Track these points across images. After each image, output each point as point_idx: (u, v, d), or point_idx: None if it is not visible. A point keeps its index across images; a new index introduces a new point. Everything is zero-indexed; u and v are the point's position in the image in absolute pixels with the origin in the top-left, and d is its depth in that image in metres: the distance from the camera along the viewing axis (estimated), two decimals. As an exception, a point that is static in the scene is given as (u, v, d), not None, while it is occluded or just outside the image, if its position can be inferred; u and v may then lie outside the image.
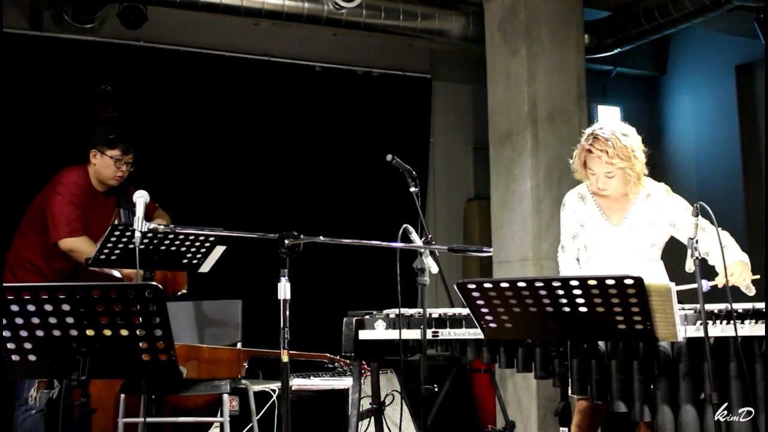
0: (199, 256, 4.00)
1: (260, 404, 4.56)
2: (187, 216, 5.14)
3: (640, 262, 3.56)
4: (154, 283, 2.54)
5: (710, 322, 2.88)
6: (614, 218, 3.61)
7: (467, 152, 7.33)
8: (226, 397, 3.90)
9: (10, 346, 2.59)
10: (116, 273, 4.27)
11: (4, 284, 3.21)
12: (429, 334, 3.25)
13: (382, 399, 3.71)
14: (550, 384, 3.16)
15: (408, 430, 5.02)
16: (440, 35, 6.21)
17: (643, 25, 6.26)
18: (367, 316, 3.43)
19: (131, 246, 3.77)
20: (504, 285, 2.67)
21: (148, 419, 3.84)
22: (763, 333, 2.86)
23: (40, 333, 2.57)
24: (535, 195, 5.57)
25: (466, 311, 3.11)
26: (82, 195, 4.28)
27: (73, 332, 2.57)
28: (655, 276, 3.54)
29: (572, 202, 3.71)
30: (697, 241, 2.91)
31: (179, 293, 4.54)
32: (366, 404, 3.75)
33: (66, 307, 2.53)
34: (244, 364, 4.26)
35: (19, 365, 2.64)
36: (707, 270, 3.10)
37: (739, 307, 2.89)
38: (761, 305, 2.89)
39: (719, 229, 3.20)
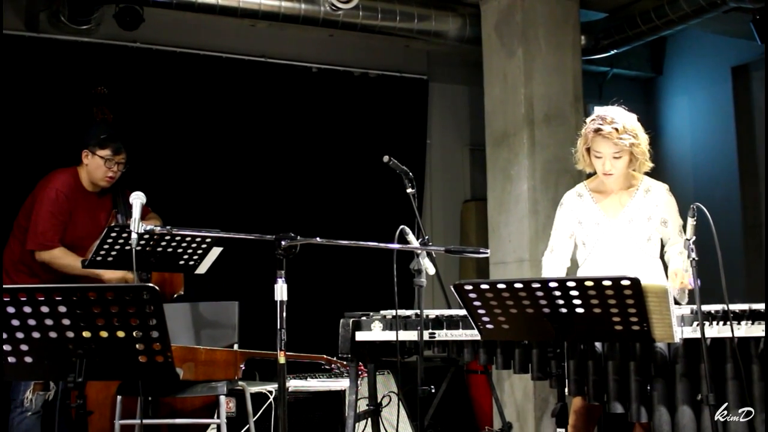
0: (195, 257, 4.00)
1: (257, 406, 4.57)
2: (184, 217, 5.13)
3: (637, 257, 3.58)
4: (150, 284, 2.54)
5: (707, 323, 2.88)
6: (612, 212, 3.63)
7: (464, 153, 7.33)
8: (222, 398, 3.89)
9: (6, 347, 2.59)
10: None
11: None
12: (426, 336, 3.26)
13: (379, 400, 3.71)
14: (547, 385, 3.16)
15: (405, 431, 5.02)
16: (437, 36, 6.21)
17: (639, 27, 6.26)
18: (364, 318, 3.43)
19: (128, 247, 3.77)
20: (501, 286, 2.67)
21: (145, 421, 3.84)
22: (759, 334, 2.86)
23: (36, 335, 2.57)
24: (532, 196, 5.57)
25: (462, 312, 3.10)
26: (63, 202, 4.26)
27: (70, 334, 2.56)
28: (652, 273, 3.56)
29: (570, 201, 3.74)
30: (693, 242, 2.91)
31: (176, 295, 4.54)
32: (363, 405, 3.75)
33: (62, 309, 2.52)
34: (241, 366, 4.26)
35: (15, 367, 2.63)
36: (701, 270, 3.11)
37: (736, 308, 2.90)
38: (757, 306, 2.89)
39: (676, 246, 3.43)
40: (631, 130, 3.50)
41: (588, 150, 3.58)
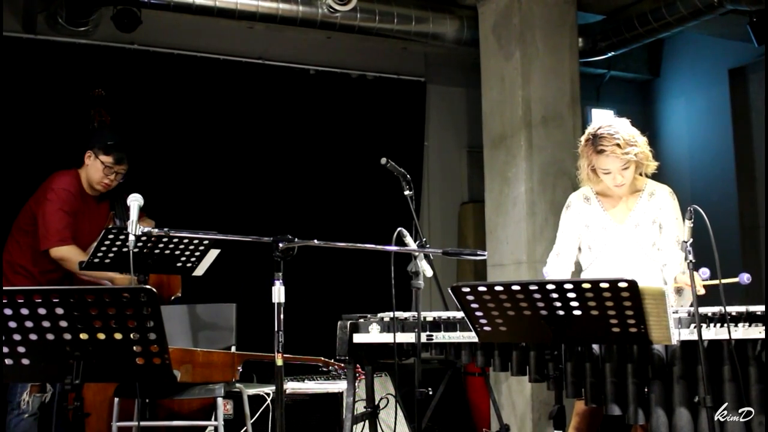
0: (193, 259, 3.99)
1: (254, 408, 4.56)
2: (182, 219, 5.14)
3: (642, 262, 3.58)
4: (148, 286, 2.53)
5: (704, 326, 2.88)
6: (619, 217, 3.64)
7: (461, 155, 7.33)
8: (220, 400, 3.89)
9: (4, 349, 2.59)
10: (108, 284, 4.24)
11: (-3, 288, 3.20)
12: (423, 338, 3.25)
13: (376, 402, 3.71)
14: (545, 387, 3.16)
15: (402, 433, 5.01)
16: (435, 39, 6.22)
17: (636, 29, 6.27)
18: (362, 320, 3.43)
19: (125, 249, 3.77)
20: (498, 288, 2.67)
21: (142, 423, 3.83)
22: (756, 336, 2.86)
23: (33, 337, 2.57)
24: (529, 198, 5.57)
25: (460, 314, 3.11)
26: (72, 201, 4.27)
27: (67, 336, 2.56)
28: (657, 278, 3.55)
29: (577, 203, 3.73)
30: (691, 244, 2.91)
31: (173, 297, 4.54)
32: (360, 408, 3.75)
33: (59, 311, 2.52)
34: (239, 368, 4.25)
35: (12, 369, 2.63)
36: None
37: (733, 310, 2.90)
38: (755, 308, 2.89)
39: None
40: (632, 140, 3.48)
41: (593, 169, 3.58)
